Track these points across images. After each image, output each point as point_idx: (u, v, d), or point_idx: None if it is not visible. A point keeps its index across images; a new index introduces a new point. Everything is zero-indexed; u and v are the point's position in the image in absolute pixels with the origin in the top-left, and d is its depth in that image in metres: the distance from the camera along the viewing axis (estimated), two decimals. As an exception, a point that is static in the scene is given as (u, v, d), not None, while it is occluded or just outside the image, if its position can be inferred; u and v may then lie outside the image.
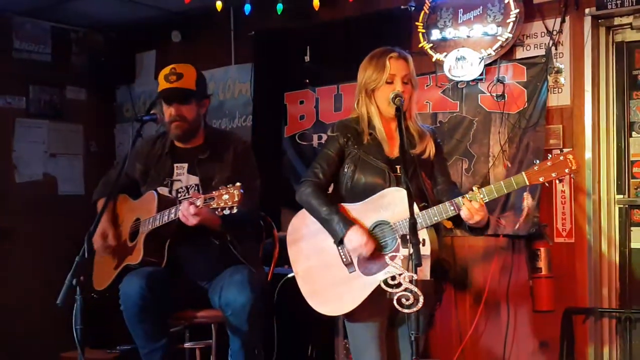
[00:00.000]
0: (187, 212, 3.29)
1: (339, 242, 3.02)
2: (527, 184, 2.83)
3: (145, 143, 3.84)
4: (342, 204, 3.10)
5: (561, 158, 2.80)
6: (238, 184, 3.10)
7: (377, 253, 2.98)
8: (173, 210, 3.41)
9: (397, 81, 3.09)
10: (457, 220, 2.99)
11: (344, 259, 3.05)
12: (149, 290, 3.36)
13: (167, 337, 3.48)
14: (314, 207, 3.08)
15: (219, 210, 3.11)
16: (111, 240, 3.67)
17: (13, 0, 5.32)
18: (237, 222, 3.39)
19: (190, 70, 3.65)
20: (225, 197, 3.09)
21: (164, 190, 3.65)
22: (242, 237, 3.64)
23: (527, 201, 4.16)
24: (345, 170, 3.14)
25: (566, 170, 2.79)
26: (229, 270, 3.55)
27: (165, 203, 3.53)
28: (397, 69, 3.09)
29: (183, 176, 3.67)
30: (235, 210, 3.09)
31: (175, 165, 3.70)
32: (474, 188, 2.90)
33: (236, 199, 3.07)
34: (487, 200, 2.88)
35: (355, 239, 2.97)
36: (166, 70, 3.66)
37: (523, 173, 2.84)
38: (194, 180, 3.65)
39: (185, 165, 3.68)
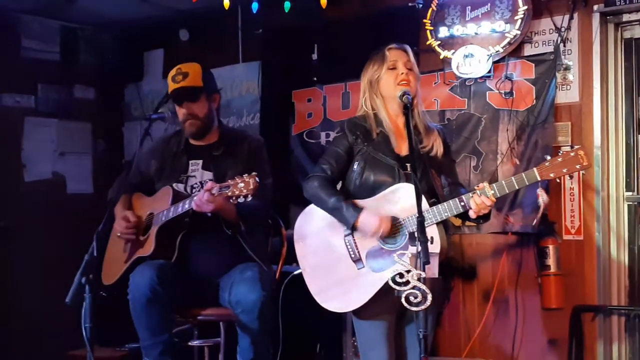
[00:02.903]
0: (201, 201, 3.31)
1: (352, 228, 3.01)
2: (539, 179, 2.84)
3: (161, 141, 3.90)
4: (352, 200, 3.09)
5: (572, 154, 2.81)
6: (254, 173, 3.14)
7: (386, 250, 2.98)
8: (187, 201, 3.43)
9: (400, 66, 3.13)
10: (462, 216, 2.99)
11: (352, 255, 3.05)
12: (159, 283, 3.37)
13: (170, 334, 3.49)
14: (322, 198, 3.08)
15: (234, 198, 3.13)
16: (133, 218, 3.68)
17: (21, -1, 5.35)
18: (251, 214, 3.40)
19: (196, 68, 3.68)
20: (241, 185, 3.13)
21: (179, 187, 3.68)
22: (252, 232, 3.65)
23: (542, 198, 4.16)
24: (355, 167, 3.14)
25: (577, 166, 2.80)
26: (239, 267, 3.56)
27: (179, 199, 3.55)
28: (397, 56, 3.16)
29: (198, 172, 3.71)
30: (249, 199, 3.12)
31: (190, 161, 3.74)
32: (484, 184, 2.89)
33: (251, 186, 3.11)
34: (498, 196, 2.88)
35: (369, 222, 2.96)
36: (172, 71, 3.70)
37: (534, 169, 2.85)
38: (208, 175, 3.68)
39: (200, 161, 3.72)
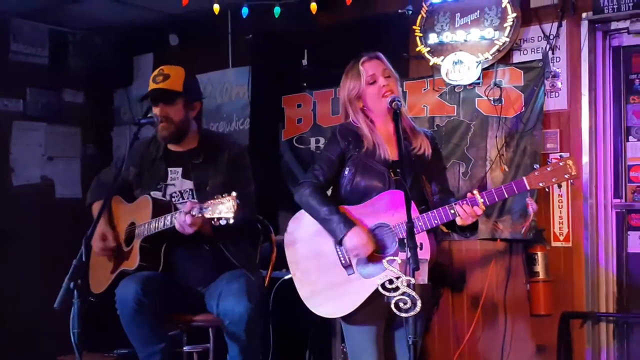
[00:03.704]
0: (184, 224, 3.27)
1: (339, 242, 3.02)
2: (528, 188, 2.86)
3: (140, 145, 3.79)
4: (342, 205, 3.10)
5: (561, 164, 2.84)
6: (234, 193, 3.07)
7: (376, 256, 2.99)
8: (169, 218, 3.39)
9: (380, 78, 3.13)
10: (450, 223, 3.00)
11: (343, 261, 3.06)
12: (145, 295, 3.35)
13: (166, 342, 3.47)
14: (314, 207, 3.09)
15: (215, 220, 3.10)
16: (110, 242, 3.66)
17: (10, 2, 5.31)
18: (232, 228, 3.37)
19: (179, 72, 3.61)
20: (221, 207, 3.08)
21: (157, 195, 3.62)
22: (237, 241, 3.62)
23: (532, 207, 4.18)
24: (346, 173, 3.14)
25: (566, 176, 2.83)
26: (225, 277, 3.54)
27: (160, 208, 3.51)
28: (373, 68, 3.16)
29: (177, 181, 3.65)
30: (232, 222, 3.07)
31: (169, 169, 3.67)
32: (474, 192, 2.91)
33: (233, 209, 3.06)
34: (488, 205, 2.90)
35: (355, 239, 2.97)
36: (155, 71, 3.64)
37: (524, 178, 2.87)
38: (188, 185, 3.63)
39: (180, 169, 3.65)
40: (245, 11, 4.95)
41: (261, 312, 3.51)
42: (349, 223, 3.00)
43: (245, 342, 3.41)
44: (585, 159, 4.23)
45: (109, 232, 3.68)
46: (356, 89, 3.16)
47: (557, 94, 4.34)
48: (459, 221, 2.94)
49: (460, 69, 4.51)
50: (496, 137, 4.47)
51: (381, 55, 3.21)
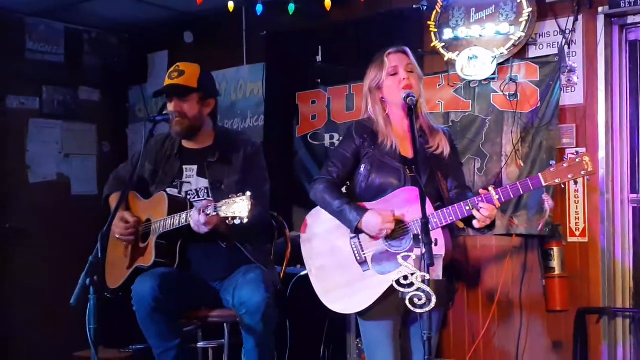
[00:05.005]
0: (199, 223, 3.28)
1: (355, 230, 3.02)
2: (544, 185, 2.84)
3: (155, 142, 3.81)
4: (358, 202, 3.09)
5: (577, 160, 2.81)
6: (249, 193, 3.08)
7: (391, 252, 2.98)
8: (184, 215, 3.40)
9: (401, 70, 3.12)
10: (466, 219, 2.99)
11: (358, 257, 3.06)
12: (161, 292, 3.36)
13: (181, 338, 3.49)
14: (327, 201, 3.09)
15: (230, 219, 3.11)
16: (132, 218, 3.65)
17: (26, 1, 5.35)
18: (246, 227, 3.35)
19: (194, 69, 3.63)
20: (236, 206, 3.08)
21: (173, 192, 3.64)
22: (252, 239, 3.62)
23: (548, 203, 4.16)
24: (361, 170, 3.14)
25: (582, 172, 2.81)
26: (241, 270, 3.56)
27: (176, 204, 3.52)
28: (397, 60, 3.14)
29: (192, 179, 3.66)
30: (246, 221, 3.08)
31: (184, 167, 3.69)
32: (489, 189, 2.90)
33: (247, 209, 3.06)
34: (503, 201, 2.89)
35: (372, 221, 2.96)
36: (171, 68, 3.66)
37: (539, 174, 2.85)
38: (204, 183, 3.63)
39: (195, 167, 3.67)
40: (259, 8, 4.96)
41: (277, 306, 3.51)
42: (362, 210, 3.00)
43: (262, 334, 3.41)
44: (601, 153, 4.21)
45: (129, 215, 3.67)
46: (377, 78, 3.15)
47: (573, 89, 4.32)
48: (475, 222, 2.93)
49: (475, 64, 4.49)
50: (512, 132, 4.45)
51: (408, 50, 3.20)
